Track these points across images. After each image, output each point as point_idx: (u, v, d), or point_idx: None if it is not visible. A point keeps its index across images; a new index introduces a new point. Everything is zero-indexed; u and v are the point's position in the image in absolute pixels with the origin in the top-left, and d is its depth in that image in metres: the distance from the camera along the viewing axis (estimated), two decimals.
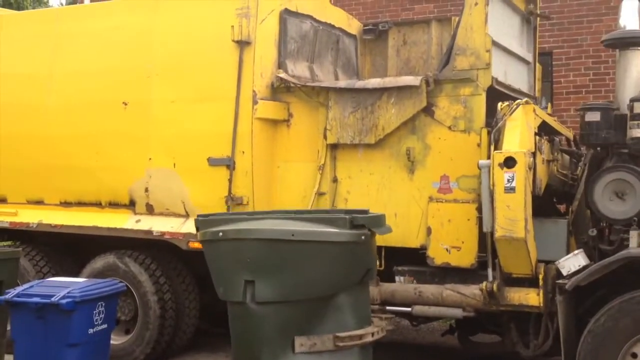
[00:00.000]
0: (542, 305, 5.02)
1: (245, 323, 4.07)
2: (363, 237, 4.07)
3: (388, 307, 5.48)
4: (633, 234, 4.73)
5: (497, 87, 5.41)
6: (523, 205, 4.81)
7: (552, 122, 5.93)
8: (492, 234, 4.93)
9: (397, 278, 5.56)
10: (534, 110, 5.31)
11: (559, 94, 8.91)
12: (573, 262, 4.87)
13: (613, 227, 5.01)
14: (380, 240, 5.50)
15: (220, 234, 4.12)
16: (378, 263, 5.60)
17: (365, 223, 4.11)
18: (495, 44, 5.43)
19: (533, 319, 5.27)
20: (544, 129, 5.65)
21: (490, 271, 5.11)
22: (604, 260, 4.71)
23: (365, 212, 4.38)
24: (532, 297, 5.05)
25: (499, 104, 5.23)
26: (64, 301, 4.37)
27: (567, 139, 6.31)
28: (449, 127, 5.38)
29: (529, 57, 6.62)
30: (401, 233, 5.50)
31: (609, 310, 4.59)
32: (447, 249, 5.33)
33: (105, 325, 4.75)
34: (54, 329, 4.43)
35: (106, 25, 6.37)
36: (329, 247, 4.01)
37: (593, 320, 4.64)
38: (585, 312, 4.95)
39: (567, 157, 6.01)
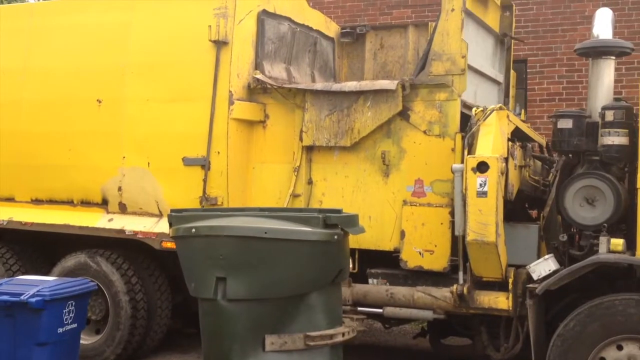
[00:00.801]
0: (511, 309, 5.08)
1: (216, 320, 4.05)
2: (336, 237, 4.06)
3: (360, 308, 5.50)
4: (602, 240, 4.80)
5: (464, 110, 5.43)
6: (495, 209, 4.86)
7: (526, 128, 6.01)
8: (463, 237, 4.99)
9: (370, 280, 5.58)
10: (508, 116, 5.37)
11: (533, 101, 9.02)
12: (544, 266, 4.94)
13: (583, 233, 5.08)
14: (354, 242, 5.55)
15: (193, 230, 4.09)
16: (352, 265, 5.63)
17: (339, 222, 4.10)
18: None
19: (503, 323, 5.34)
20: (517, 135, 5.73)
21: (461, 274, 5.16)
22: (574, 265, 4.78)
23: (339, 211, 4.38)
24: (501, 301, 5.10)
25: (474, 109, 5.29)
26: (33, 300, 4.31)
27: (540, 146, 6.40)
28: (424, 132, 5.42)
29: (500, 77, 6.72)
30: (375, 236, 5.53)
31: (578, 315, 4.66)
32: (420, 253, 5.37)
33: (75, 325, 4.69)
34: (22, 328, 4.37)
35: (82, 22, 6.31)
36: (302, 245, 4.00)
37: (563, 324, 4.71)
38: (555, 317, 5.04)
39: (539, 163, 6.09)
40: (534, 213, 6.34)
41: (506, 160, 5.12)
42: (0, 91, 6.51)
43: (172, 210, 4.45)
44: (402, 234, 5.41)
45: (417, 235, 5.38)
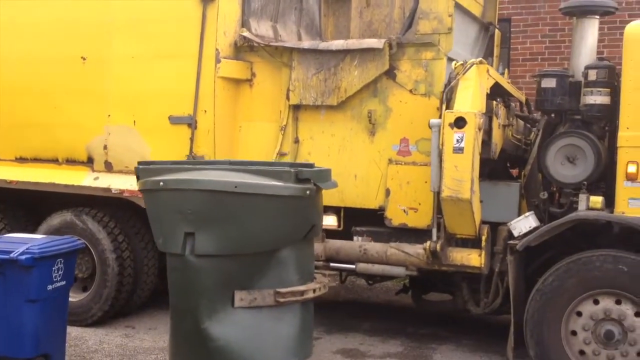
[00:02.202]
0: (483, 266, 5.14)
1: (184, 276, 3.96)
2: (308, 192, 3.94)
3: (332, 264, 5.55)
4: (582, 198, 4.92)
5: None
6: (470, 166, 4.85)
7: (506, 84, 5.97)
8: (438, 193, 4.99)
9: (355, 238, 5.67)
10: (488, 71, 5.31)
11: (516, 60, 9.07)
12: (524, 223, 5.06)
13: (563, 191, 5.20)
14: (340, 200, 5.65)
15: (161, 183, 3.97)
16: (337, 223, 5.74)
17: (311, 177, 3.97)
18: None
19: (484, 279, 5.47)
20: (497, 91, 5.71)
21: (434, 231, 5.18)
22: (554, 222, 4.91)
23: (311, 165, 4.25)
24: (473, 258, 5.14)
25: (453, 63, 5.22)
26: (23, 257, 4.31)
27: (520, 102, 6.44)
28: (410, 91, 5.46)
29: None
30: (360, 194, 5.61)
31: (556, 271, 4.80)
32: (404, 210, 5.45)
33: (64, 282, 4.70)
34: (13, 285, 4.37)
35: None
36: (273, 200, 3.88)
37: (541, 279, 4.85)
38: (534, 272, 5.18)
39: (521, 122, 6.17)
40: (514, 172, 6.45)
41: (489, 118, 5.15)
42: None
43: (139, 163, 4.33)
44: (387, 192, 5.49)
45: (402, 194, 5.46)
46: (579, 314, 4.76)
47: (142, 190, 4.20)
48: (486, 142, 5.17)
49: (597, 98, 4.99)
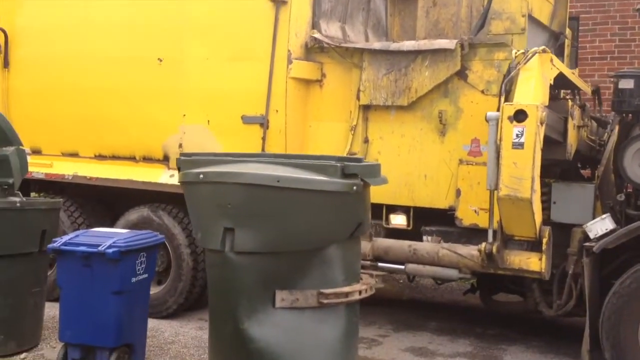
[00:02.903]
0: (544, 270, 4.90)
1: (223, 273, 3.76)
2: (355, 188, 3.67)
3: (380, 264, 5.43)
4: None
5: None
6: (531, 163, 4.59)
7: (571, 75, 5.78)
8: (495, 192, 4.76)
9: (424, 238, 5.69)
10: (552, 60, 5.07)
11: (584, 59, 8.90)
12: (600, 225, 5.00)
13: None
14: (409, 200, 5.68)
15: (201, 176, 3.75)
16: (406, 223, 5.78)
17: (358, 172, 3.70)
18: None
19: (556, 280, 5.43)
20: (561, 82, 5.52)
21: (490, 232, 4.99)
22: (632, 224, 4.84)
23: (359, 160, 4.00)
24: (533, 262, 4.93)
25: (514, 51, 5.00)
26: (110, 250, 4.50)
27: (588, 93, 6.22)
28: (482, 91, 5.44)
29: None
30: (430, 194, 5.62)
31: (634, 273, 4.74)
32: (475, 211, 5.44)
33: (146, 275, 4.89)
34: (99, 277, 4.57)
35: None
36: (318, 196, 3.60)
37: (619, 281, 4.79)
38: (609, 275, 5.11)
39: (594, 123, 6.08)
40: (586, 172, 6.37)
41: (562, 117, 5.01)
42: (63, 47, 6.65)
43: (181, 154, 4.17)
44: (458, 193, 5.49)
45: (472, 194, 5.44)
46: None
47: (183, 182, 3.99)
48: (562, 144, 5.11)
49: None
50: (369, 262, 5.36)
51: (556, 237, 5.32)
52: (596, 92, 6.23)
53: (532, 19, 5.73)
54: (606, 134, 5.88)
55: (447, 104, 5.57)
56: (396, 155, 5.73)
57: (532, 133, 4.58)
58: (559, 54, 6.69)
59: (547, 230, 4.95)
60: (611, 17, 8.78)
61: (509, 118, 4.63)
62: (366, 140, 5.85)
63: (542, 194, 5.48)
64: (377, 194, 5.72)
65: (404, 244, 5.44)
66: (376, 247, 5.47)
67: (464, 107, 5.52)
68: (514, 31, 5.37)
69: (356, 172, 3.69)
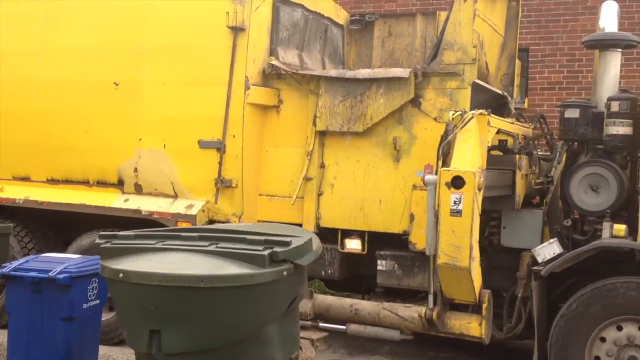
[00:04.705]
0: (484, 336, 4.92)
1: None
2: (285, 273, 3.53)
3: (321, 325, 5.34)
4: (606, 225, 5.02)
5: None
6: (469, 231, 4.53)
7: (510, 127, 5.83)
8: (434, 257, 4.74)
9: (379, 262, 5.75)
10: (489, 123, 5.06)
11: (534, 89, 9.22)
12: (548, 250, 5.15)
13: (587, 219, 5.29)
14: (364, 225, 5.75)
15: (121, 275, 3.49)
16: (361, 247, 5.83)
17: (287, 257, 3.53)
18: None
19: (506, 303, 5.55)
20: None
21: (430, 298, 4.99)
22: (578, 249, 5.00)
23: (287, 243, 3.64)
24: (473, 327, 4.97)
25: (450, 113, 5.02)
26: (61, 276, 4.45)
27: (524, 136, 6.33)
28: (435, 119, 5.58)
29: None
30: (385, 219, 5.71)
31: (581, 297, 4.88)
32: None
33: (97, 301, 4.84)
34: (50, 303, 4.51)
35: (99, 4, 6.40)
36: (246, 289, 3.44)
37: (566, 305, 4.93)
38: (557, 298, 5.25)
39: (544, 162, 6.15)
40: (535, 200, 6.54)
41: (510, 171, 4.96)
42: (18, 71, 6.61)
43: (100, 237, 3.86)
44: (412, 217, 5.58)
45: (425, 219, 5.53)
46: (603, 339, 4.83)
47: (104, 277, 3.69)
48: (511, 196, 5.20)
49: (619, 129, 5.12)
50: (309, 323, 5.24)
51: (506, 261, 5.48)
52: (541, 118, 6.39)
53: (477, 86, 5.68)
54: (553, 168, 5.99)
55: (401, 130, 5.69)
56: (351, 181, 5.82)
57: (470, 200, 4.51)
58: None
59: (487, 294, 4.94)
60: (559, 49, 9.13)
61: (447, 184, 4.58)
62: (322, 166, 5.93)
63: (493, 219, 5.64)
64: (333, 219, 5.84)
65: (345, 303, 5.41)
66: (317, 305, 5.37)
67: (417, 134, 5.65)
68: (465, 61, 5.54)
69: (285, 257, 3.55)
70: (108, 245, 3.77)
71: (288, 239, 3.64)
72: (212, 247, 3.59)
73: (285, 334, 3.78)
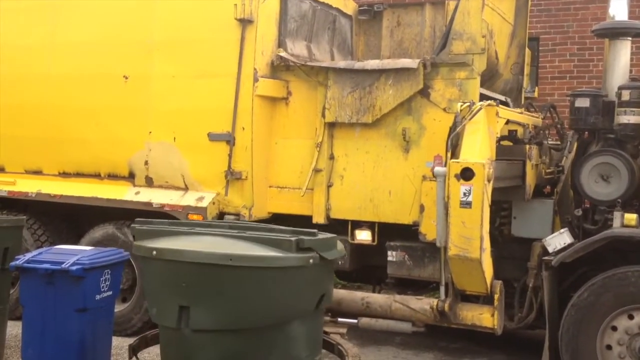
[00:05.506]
0: (496, 326, 4.96)
1: (180, 351, 3.62)
2: (311, 261, 3.61)
3: (340, 319, 5.27)
4: (617, 215, 4.99)
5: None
6: (479, 222, 4.55)
7: (519, 117, 5.85)
8: (445, 249, 4.74)
9: (389, 252, 5.76)
10: (497, 113, 5.07)
11: (544, 78, 9.16)
12: (559, 240, 5.13)
13: (597, 208, 5.27)
14: (374, 216, 5.76)
15: (154, 252, 3.63)
16: (371, 238, 5.85)
17: (312, 246, 3.64)
18: None
19: (517, 293, 5.55)
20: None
21: (442, 289, 5.01)
22: (589, 238, 4.98)
23: (314, 234, 3.79)
24: (485, 318, 4.98)
25: (459, 104, 5.02)
26: (74, 268, 4.47)
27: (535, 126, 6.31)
28: (444, 109, 5.57)
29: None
30: (395, 210, 5.71)
31: (592, 286, 4.87)
32: None
33: (110, 292, 4.86)
34: (63, 295, 4.53)
35: None
36: (272, 272, 3.55)
37: (577, 294, 4.92)
38: (567, 288, 5.25)
39: (555, 152, 6.16)
40: (546, 189, 6.52)
41: (521, 161, 4.95)
42: (29, 65, 6.64)
43: (136, 221, 4.12)
44: (422, 208, 5.58)
45: (436, 210, 5.53)
46: (614, 328, 4.82)
47: (137, 255, 3.87)
48: (521, 186, 5.18)
49: (630, 117, 5.09)
50: (328, 318, 5.17)
51: (516, 252, 5.47)
52: (552, 107, 6.39)
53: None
54: (564, 157, 5.98)
55: (410, 121, 5.68)
56: (361, 172, 5.82)
57: (480, 192, 4.53)
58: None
59: (498, 285, 4.95)
60: (570, 38, 9.06)
61: (456, 176, 4.59)
62: (331, 157, 5.93)
63: (503, 209, 5.63)
64: (343, 210, 5.85)
65: (356, 296, 5.43)
66: None
67: (426, 125, 5.64)
68: (474, 51, 5.52)
69: (310, 245, 3.64)
70: (144, 227, 3.97)
71: (314, 231, 3.80)
72: (242, 233, 3.77)
73: (312, 335, 3.84)
